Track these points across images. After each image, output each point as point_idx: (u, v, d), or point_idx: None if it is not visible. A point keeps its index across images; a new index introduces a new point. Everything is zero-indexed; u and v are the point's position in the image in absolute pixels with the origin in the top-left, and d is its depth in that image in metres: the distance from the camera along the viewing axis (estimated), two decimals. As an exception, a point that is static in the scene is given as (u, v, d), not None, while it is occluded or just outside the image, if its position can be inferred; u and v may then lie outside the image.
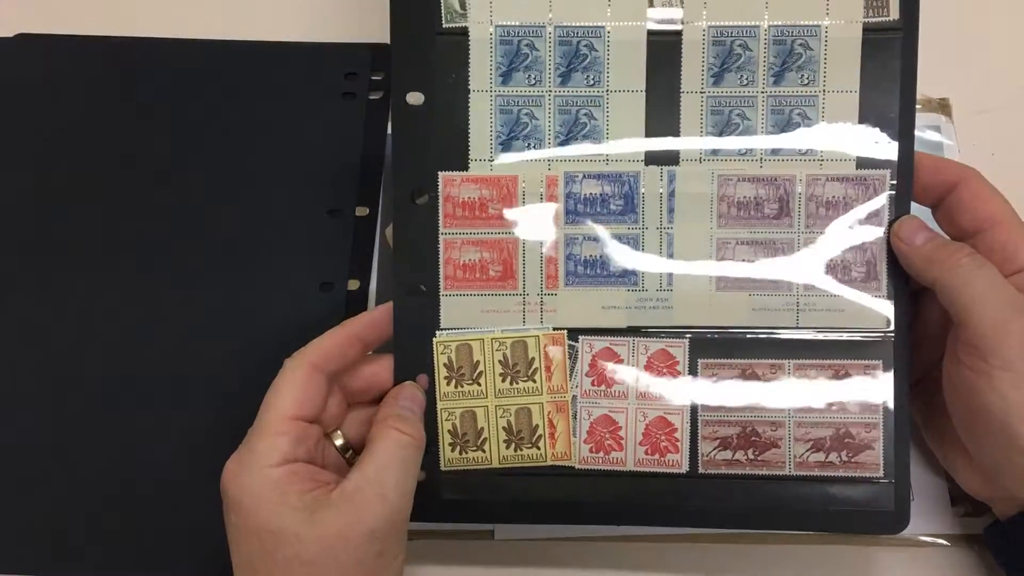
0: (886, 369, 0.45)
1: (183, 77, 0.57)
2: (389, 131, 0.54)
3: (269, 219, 0.54)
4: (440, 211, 0.45)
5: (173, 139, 0.55)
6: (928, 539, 0.48)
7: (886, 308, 0.45)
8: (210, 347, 0.51)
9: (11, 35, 0.58)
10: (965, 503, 0.47)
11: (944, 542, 0.48)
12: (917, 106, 0.45)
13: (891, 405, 0.45)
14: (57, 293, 0.53)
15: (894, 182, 0.45)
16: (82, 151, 0.55)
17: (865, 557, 0.48)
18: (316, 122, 0.55)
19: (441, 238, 0.46)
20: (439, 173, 0.45)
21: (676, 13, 0.45)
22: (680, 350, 0.46)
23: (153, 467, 0.50)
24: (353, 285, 0.53)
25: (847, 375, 0.45)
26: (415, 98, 0.45)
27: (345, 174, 0.54)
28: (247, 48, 0.58)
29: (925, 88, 0.46)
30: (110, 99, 0.56)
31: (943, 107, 0.56)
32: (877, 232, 0.45)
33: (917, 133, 0.45)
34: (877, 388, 0.45)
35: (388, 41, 0.49)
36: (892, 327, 0.45)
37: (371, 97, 0.56)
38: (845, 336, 0.45)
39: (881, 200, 0.45)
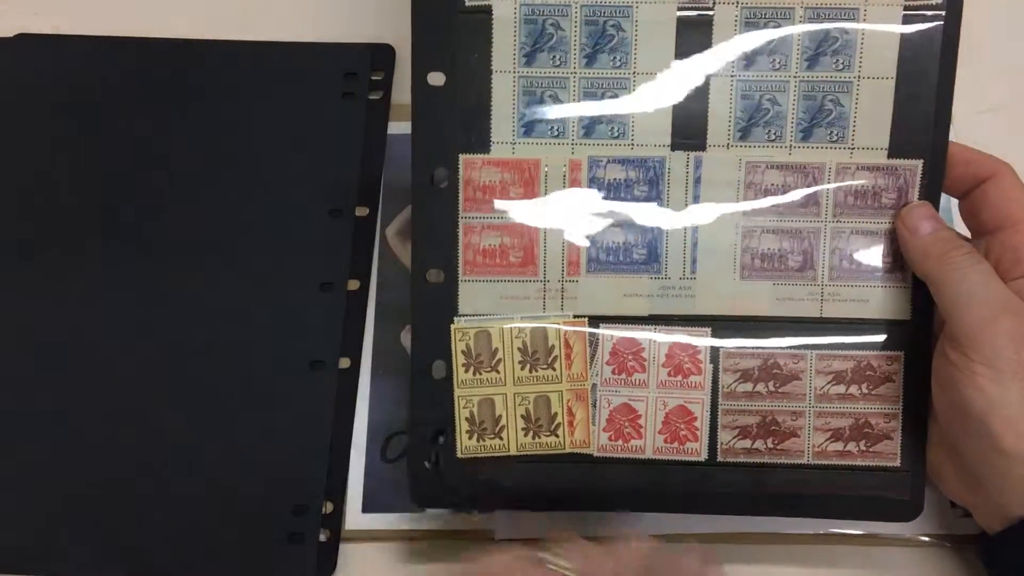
0: (907, 360, 0.45)
1: (183, 77, 0.56)
2: (390, 131, 0.55)
3: (269, 219, 0.53)
4: (460, 194, 0.44)
5: (173, 139, 0.55)
6: (927, 539, 0.48)
7: (909, 299, 0.44)
8: (210, 347, 0.51)
9: (11, 35, 0.58)
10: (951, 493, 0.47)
11: (944, 543, 0.48)
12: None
13: (911, 396, 0.45)
14: (56, 293, 0.52)
15: (925, 173, 0.44)
16: (82, 151, 0.55)
17: (865, 558, 0.48)
18: (316, 122, 0.55)
19: (461, 222, 0.44)
20: (460, 156, 0.44)
21: (708, -9, 0.43)
22: (702, 339, 0.45)
23: (152, 467, 0.49)
24: (353, 285, 0.52)
25: (869, 366, 0.45)
26: (436, 78, 0.43)
27: (345, 174, 0.54)
28: (247, 48, 0.57)
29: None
30: (110, 99, 0.56)
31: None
32: None
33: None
34: (898, 379, 0.45)
35: (388, 41, 0.47)
36: (914, 318, 0.45)
37: (371, 97, 0.56)
38: (868, 327, 0.45)
39: (911, 191, 0.44)
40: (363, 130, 0.55)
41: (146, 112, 0.56)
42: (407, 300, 0.45)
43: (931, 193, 0.44)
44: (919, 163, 0.44)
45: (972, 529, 0.47)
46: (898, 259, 0.44)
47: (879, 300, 0.45)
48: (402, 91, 0.56)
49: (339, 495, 0.49)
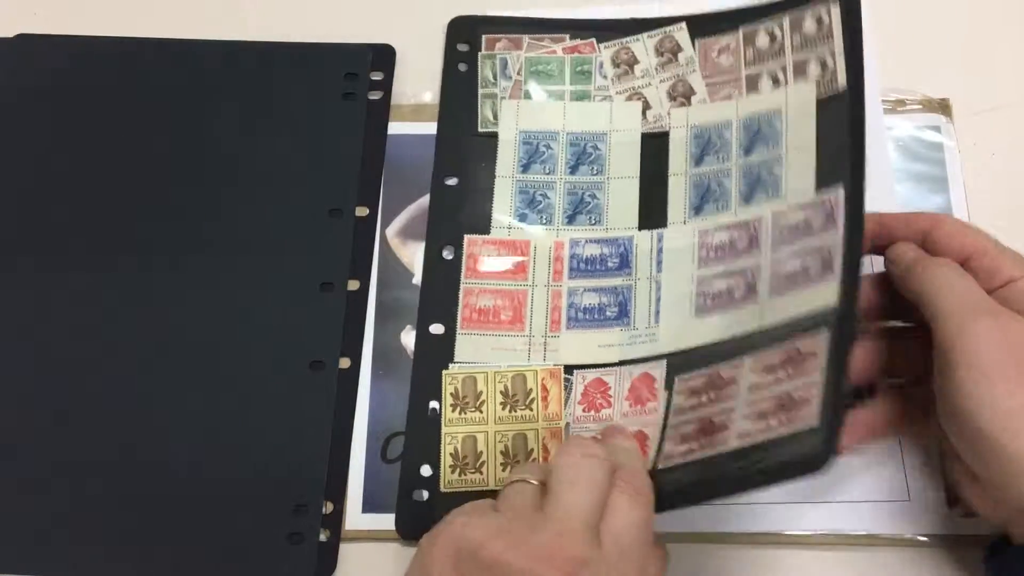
0: (829, 331, 0.43)
1: (183, 77, 0.57)
2: (390, 131, 0.57)
3: (269, 219, 0.54)
4: (463, 265, 0.54)
5: (173, 139, 0.56)
6: (925, 539, 0.47)
7: (838, 286, 0.44)
8: (210, 347, 0.52)
9: (11, 35, 0.58)
10: (963, 504, 0.45)
11: (942, 543, 0.46)
12: (918, 106, 0.52)
13: (834, 358, 0.42)
14: (57, 293, 0.53)
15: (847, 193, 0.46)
16: (82, 151, 0.56)
17: (863, 558, 0.47)
18: (316, 122, 0.55)
19: (462, 287, 0.54)
20: (464, 236, 0.55)
21: (664, 121, 0.55)
22: (659, 371, 0.49)
23: (152, 466, 0.49)
24: (353, 285, 0.53)
25: (797, 352, 0.44)
26: (451, 180, 0.57)
27: (345, 174, 0.55)
28: (247, 48, 0.58)
29: (925, 88, 0.47)
30: (110, 99, 0.57)
31: (943, 107, 0.56)
32: (833, 231, 0.46)
33: (917, 134, 0.51)
34: (821, 351, 0.43)
35: (388, 41, 0.56)
36: (841, 301, 0.44)
37: (371, 97, 0.57)
38: (801, 322, 0.45)
39: (837, 208, 0.46)
40: (363, 130, 0.55)
41: (146, 112, 0.56)
42: (407, 300, 0.53)
43: (854, 200, 0.45)
44: (840, 187, 0.46)
45: (970, 529, 0.46)
46: (827, 260, 0.45)
47: (810, 294, 0.45)
48: (402, 91, 0.58)
49: (339, 495, 0.49)
